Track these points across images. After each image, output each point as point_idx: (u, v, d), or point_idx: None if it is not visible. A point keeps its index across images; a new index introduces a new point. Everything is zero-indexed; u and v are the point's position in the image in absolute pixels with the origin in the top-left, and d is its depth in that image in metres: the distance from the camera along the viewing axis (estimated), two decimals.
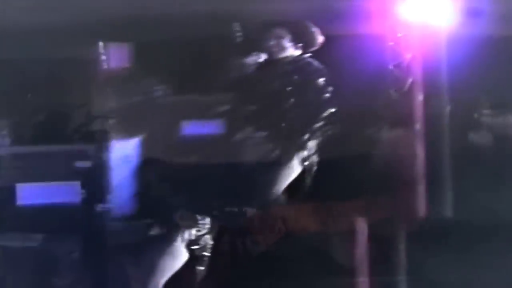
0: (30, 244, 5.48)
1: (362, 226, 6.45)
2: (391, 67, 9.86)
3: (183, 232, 4.61)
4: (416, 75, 8.60)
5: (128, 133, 5.54)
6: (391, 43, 8.95)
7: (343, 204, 6.72)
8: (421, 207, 6.66)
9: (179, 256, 4.55)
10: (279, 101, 5.67)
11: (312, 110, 5.69)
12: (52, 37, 6.00)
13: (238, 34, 6.14)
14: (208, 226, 4.54)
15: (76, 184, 5.53)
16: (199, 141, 5.12)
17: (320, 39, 5.87)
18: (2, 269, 5.40)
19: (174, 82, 6.87)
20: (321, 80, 5.78)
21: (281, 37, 5.63)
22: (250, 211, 6.02)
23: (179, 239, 4.49)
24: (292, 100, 5.61)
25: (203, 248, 4.57)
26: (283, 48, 5.63)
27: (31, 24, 6.06)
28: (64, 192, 5.53)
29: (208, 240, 4.57)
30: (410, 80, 8.80)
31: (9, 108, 6.68)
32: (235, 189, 5.05)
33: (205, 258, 4.56)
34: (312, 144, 5.76)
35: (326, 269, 6.16)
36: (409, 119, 7.97)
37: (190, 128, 5.55)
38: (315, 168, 5.87)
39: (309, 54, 5.83)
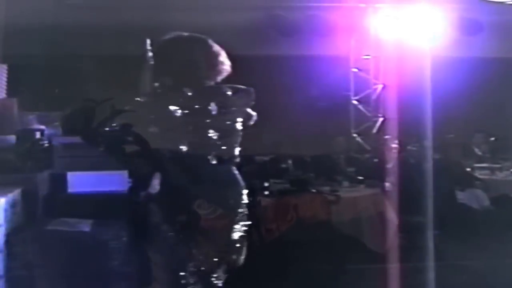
0: (80, 229, 5.70)
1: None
2: (354, 100, 8.90)
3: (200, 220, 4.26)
4: (389, 112, 7.68)
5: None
6: (355, 69, 8.12)
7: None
8: None
9: (196, 243, 4.29)
10: None
11: None
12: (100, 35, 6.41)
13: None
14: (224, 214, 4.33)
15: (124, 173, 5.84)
16: None
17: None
18: (54, 251, 5.53)
19: None
20: None
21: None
22: (264, 201, 6.28)
23: (196, 227, 4.27)
24: None
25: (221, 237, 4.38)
26: None
27: (81, 22, 6.46)
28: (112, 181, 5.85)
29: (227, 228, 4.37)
30: (380, 118, 8.08)
31: (61, 100, 6.95)
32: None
33: (222, 246, 4.40)
34: None
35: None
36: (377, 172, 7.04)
37: None
38: None
39: None
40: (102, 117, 7.00)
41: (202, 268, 4.30)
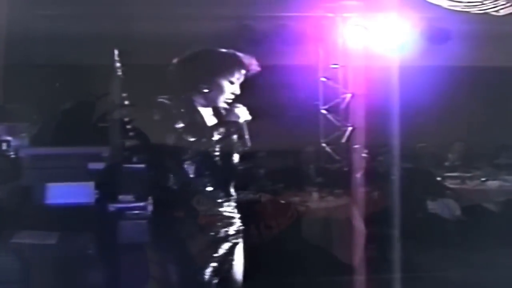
0: (48, 241, 5.69)
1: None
2: (323, 109, 9.16)
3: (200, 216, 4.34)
4: (358, 121, 7.50)
5: None
6: (323, 78, 7.92)
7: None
8: None
9: (196, 240, 4.32)
10: None
11: None
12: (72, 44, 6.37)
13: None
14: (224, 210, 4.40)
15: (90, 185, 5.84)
16: None
17: None
18: (22, 265, 5.55)
19: None
20: None
21: None
22: (264, 197, 6.42)
23: (196, 223, 4.33)
24: None
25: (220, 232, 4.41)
26: None
27: (53, 31, 6.37)
28: (79, 192, 5.86)
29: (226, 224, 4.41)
30: (349, 128, 7.85)
31: (28, 112, 6.95)
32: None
33: (222, 242, 4.41)
34: None
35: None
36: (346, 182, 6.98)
37: None
38: None
39: None
40: (101, 111, 7.12)
41: (199, 264, 4.32)
